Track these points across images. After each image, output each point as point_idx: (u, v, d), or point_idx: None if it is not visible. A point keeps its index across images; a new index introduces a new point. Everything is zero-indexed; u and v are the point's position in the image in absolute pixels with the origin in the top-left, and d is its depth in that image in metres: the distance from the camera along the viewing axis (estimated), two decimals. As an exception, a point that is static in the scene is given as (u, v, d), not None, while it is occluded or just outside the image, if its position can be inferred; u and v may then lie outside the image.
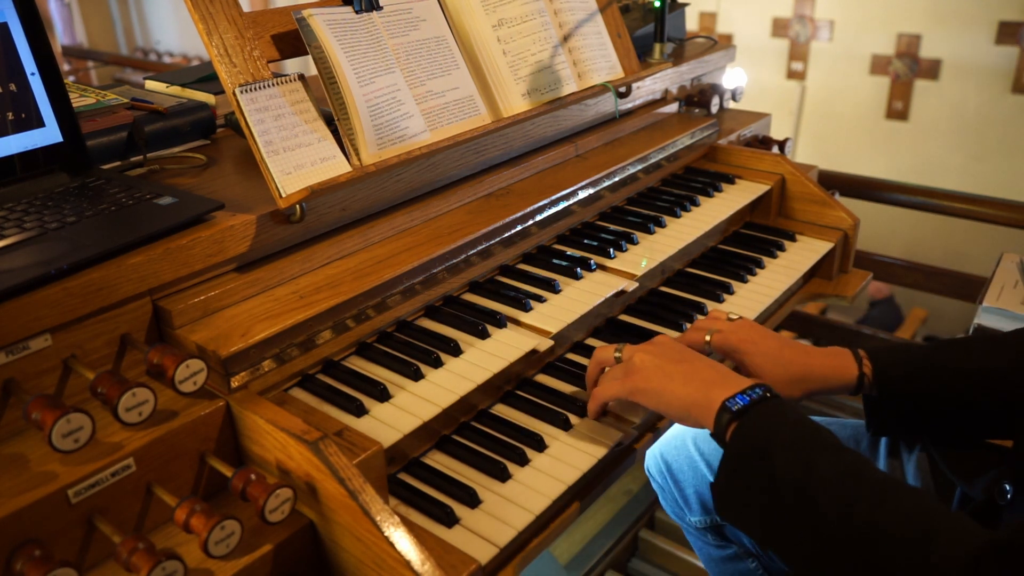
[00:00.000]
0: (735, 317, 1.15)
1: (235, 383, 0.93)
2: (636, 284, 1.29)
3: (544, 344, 1.12)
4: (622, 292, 1.25)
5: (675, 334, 1.24)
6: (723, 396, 0.89)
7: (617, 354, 1.03)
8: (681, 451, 1.33)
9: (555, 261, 1.32)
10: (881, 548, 0.74)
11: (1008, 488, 0.93)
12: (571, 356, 1.22)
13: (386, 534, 0.79)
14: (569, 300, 1.22)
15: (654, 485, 1.42)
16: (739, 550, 1.33)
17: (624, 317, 1.33)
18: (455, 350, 1.09)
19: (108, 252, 0.92)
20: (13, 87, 1.05)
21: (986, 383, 1.01)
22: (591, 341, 1.26)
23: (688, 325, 1.22)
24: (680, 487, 1.34)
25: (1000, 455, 1.07)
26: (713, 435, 0.90)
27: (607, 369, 1.05)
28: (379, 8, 1.22)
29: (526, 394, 1.12)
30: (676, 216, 1.51)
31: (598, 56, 1.54)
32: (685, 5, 2.02)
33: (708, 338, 1.12)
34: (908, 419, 1.07)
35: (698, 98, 1.89)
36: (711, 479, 1.27)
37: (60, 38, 7.23)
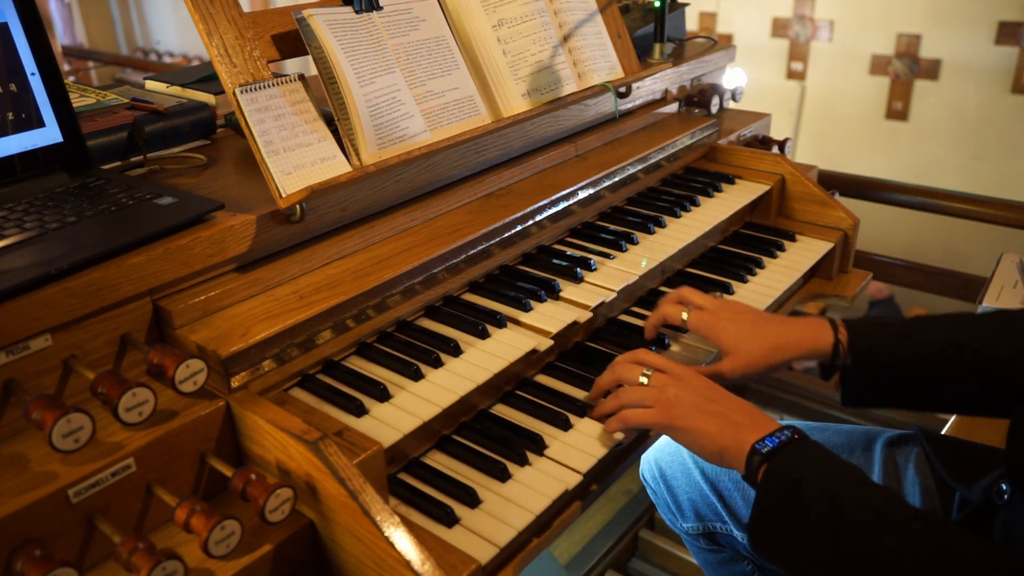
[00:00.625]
0: (717, 295, 1.18)
1: (235, 383, 0.93)
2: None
3: (544, 344, 1.12)
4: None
5: (675, 334, 1.24)
6: (753, 439, 0.90)
7: (643, 378, 1.02)
8: (675, 458, 1.34)
9: (555, 261, 1.32)
10: None
11: (1005, 488, 0.94)
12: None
13: (386, 534, 0.79)
14: (569, 300, 1.22)
15: (648, 491, 1.43)
16: (732, 554, 1.34)
17: (624, 317, 1.33)
18: (455, 350, 1.09)
19: (108, 252, 0.92)
20: (13, 87, 1.05)
21: (959, 358, 1.03)
22: (591, 341, 1.26)
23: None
24: (674, 494, 1.34)
25: (997, 458, 1.08)
26: (745, 478, 0.91)
27: (626, 387, 1.04)
28: (379, 8, 1.22)
29: (526, 394, 1.12)
30: (676, 216, 1.51)
31: (598, 56, 1.54)
32: (685, 5, 2.02)
33: (685, 316, 1.15)
34: (881, 390, 1.08)
35: (698, 98, 1.89)
36: (704, 486, 1.28)
37: (60, 38, 7.23)
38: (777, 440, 0.89)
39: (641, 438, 1.10)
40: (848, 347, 1.07)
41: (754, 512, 0.88)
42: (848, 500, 0.82)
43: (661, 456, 1.36)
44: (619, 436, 1.03)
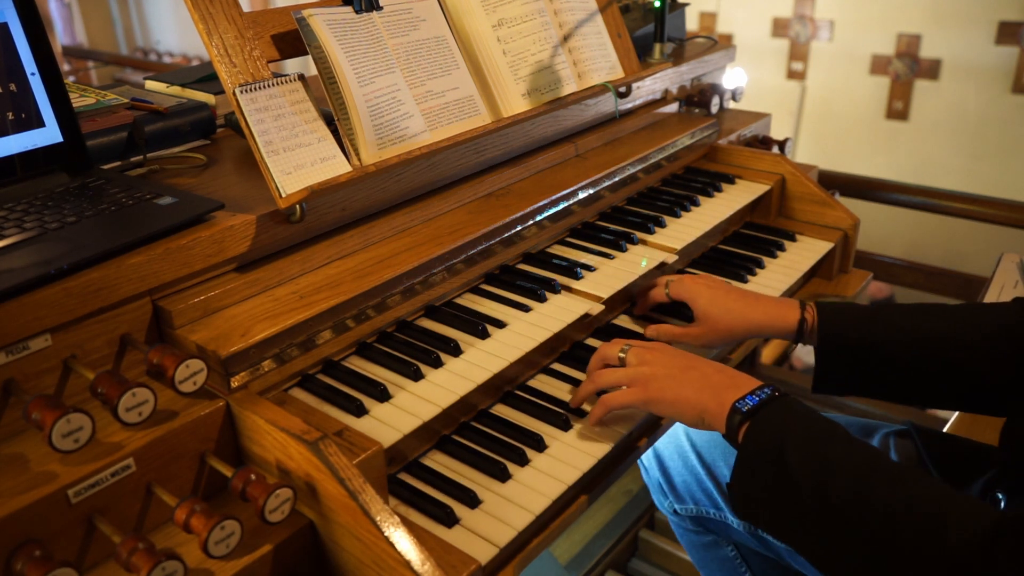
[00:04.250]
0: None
1: (235, 383, 0.93)
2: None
3: (544, 341, 1.12)
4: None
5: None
6: (733, 398, 0.90)
7: (622, 354, 1.04)
8: (672, 440, 1.34)
9: (555, 261, 1.32)
10: (897, 534, 0.74)
11: (1001, 497, 0.94)
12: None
13: (386, 534, 0.79)
14: (569, 300, 1.22)
15: (641, 470, 1.43)
16: (717, 538, 1.34)
17: (624, 317, 1.33)
18: (455, 350, 1.09)
19: (108, 252, 0.92)
20: (13, 87, 1.05)
21: (924, 346, 1.04)
22: (591, 341, 1.26)
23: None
24: (668, 475, 1.35)
25: (991, 457, 1.08)
26: (725, 437, 0.90)
27: (600, 371, 1.06)
28: (379, 8, 1.22)
29: (526, 394, 1.12)
30: (676, 216, 1.51)
31: (598, 56, 1.54)
32: (685, 5, 2.02)
33: (667, 289, 1.22)
34: (848, 375, 1.09)
35: (698, 98, 1.89)
36: (700, 470, 1.28)
37: (60, 38, 7.22)
38: (758, 398, 0.89)
39: (639, 439, 1.10)
40: (814, 327, 1.09)
41: (735, 472, 0.87)
42: (836, 455, 0.81)
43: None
44: (618, 435, 1.03)
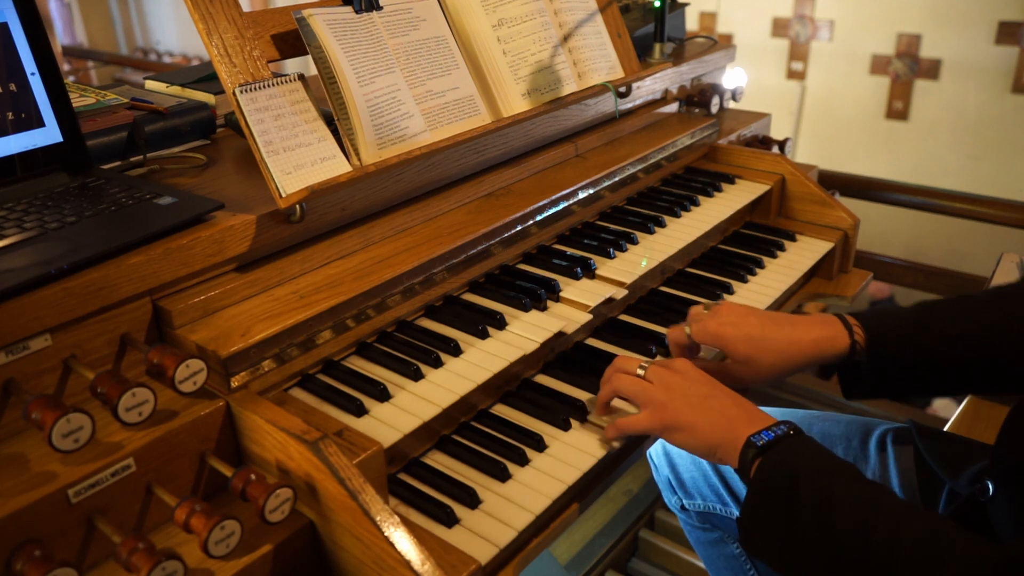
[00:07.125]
0: (711, 304, 1.13)
1: (235, 383, 0.93)
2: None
3: (545, 342, 1.12)
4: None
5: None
6: (748, 433, 0.90)
7: (640, 371, 1.01)
8: None
9: (555, 261, 1.32)
10: (898, 574, 0.75)
11: (990, 485, 0.94)
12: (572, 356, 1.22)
13: (386, 534, 0.79)
14: (569, 300, 1.22)
15: (652, 467, 1.43)
16: (723, 535, 1.34)
17: (624, 317, 1.33)
18: (455, 350, 1.09)
19: (108, 252, 0.92)
20: (13, 87, 1.05)
21: (968, 346, 1.02)
22: (591, 341, 1.26)
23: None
24: (676, 471, 1.35)
25: (983, 450, 1.08)
26: (738, 471, 0.90)
27: (619, 375, 1.02)
28: (379, 8, 1.22)
29: (526, 394, 1.12)
30: (676, 216, 1.51)
31: (598, 56, 1.54)
32: (685, 5, 2.02)
33: (688, 331, 1.10)
34: (886, 382, 1.06)
35: (698, 98, 1.89)
36: (707, 466, 1.29)
37: (60, 38, 7.22)
38: (773, 434, 0.89)
39: (641, 438, 1.10)
40: (865, 345, 1.04)
41: (745, 506, 0.88)
42: (841, 495, 0.81)
43: None
44: (616, 444, 1.02)
